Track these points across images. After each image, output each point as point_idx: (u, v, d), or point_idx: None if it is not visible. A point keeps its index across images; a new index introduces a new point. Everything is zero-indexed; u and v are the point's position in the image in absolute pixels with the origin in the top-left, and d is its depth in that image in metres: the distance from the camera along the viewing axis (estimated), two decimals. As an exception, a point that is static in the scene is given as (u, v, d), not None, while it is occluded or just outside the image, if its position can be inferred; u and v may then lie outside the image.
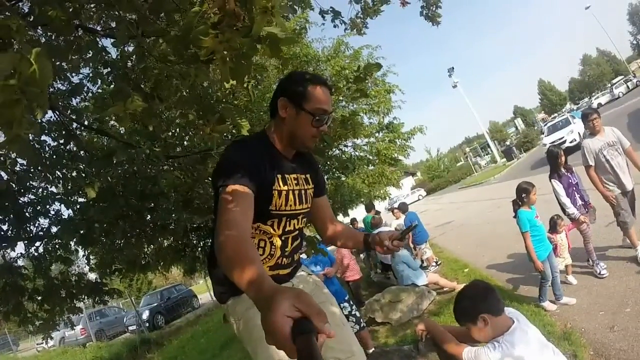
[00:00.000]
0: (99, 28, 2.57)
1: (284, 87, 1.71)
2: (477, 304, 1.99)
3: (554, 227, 4.63)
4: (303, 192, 1.81)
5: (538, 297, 4.35)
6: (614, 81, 46.07)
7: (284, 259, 1.78)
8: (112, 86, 2.84)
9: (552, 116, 45.58)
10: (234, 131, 1.66)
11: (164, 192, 3.29)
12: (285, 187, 1.70)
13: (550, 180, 4.83)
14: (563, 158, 4.82)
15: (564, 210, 4.72)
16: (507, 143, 46.23)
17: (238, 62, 1.09)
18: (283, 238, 1.75)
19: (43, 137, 3.74)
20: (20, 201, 3.74)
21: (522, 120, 63.68)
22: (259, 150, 1.65)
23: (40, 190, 4.01)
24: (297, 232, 1.83)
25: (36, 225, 4.01)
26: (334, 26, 3.38)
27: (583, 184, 4.88)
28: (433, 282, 6.13)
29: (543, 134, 24.56)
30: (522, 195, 4.23)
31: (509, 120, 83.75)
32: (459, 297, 2.13)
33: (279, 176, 1.69)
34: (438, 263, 8.31)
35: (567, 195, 4.69)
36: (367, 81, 2.39)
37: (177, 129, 3.84)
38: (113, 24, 2.97)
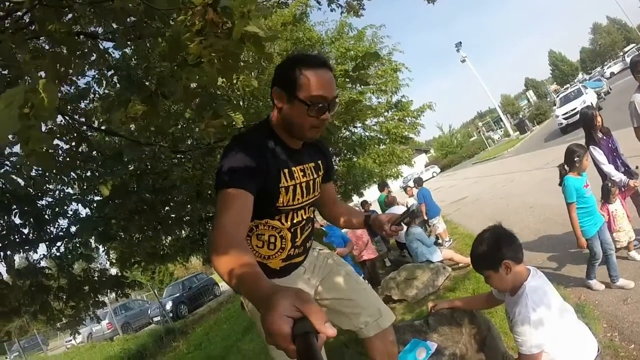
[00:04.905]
0: (99, 31, 2.62)
1: (277, 74, 1.54)
2: (502, 248, 1.83)
3: (607, 195, 3.92)
4: (311, 182, 1.72)
5: (586, 274, 3.80)
6: (626, 49, 44.82)
7: (296, 249, 1.77)
8: (117, 87, 2.90)
9: (564, 87, 44.63)
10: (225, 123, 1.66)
11: (175, 185, 3.35)
12: (292, 182, 1.62)
13: (588, 147, 4.01)
14: (599, 119, 4.16)
15: (606, 178, 4.06)
16: (520, 116, 45.46)
17: (225, 62, 1.15)
18: (292, 230, 1.72)
19: (56, 141, 3.85)
20: (38, 204, 3.85)
21: (534, 92, 62.65)
22: (261, 146, 1.53)
23: (57, 192, 4.13)
24: (305, 221, 1.78)
25: (56, 226, 4.12)
26: (331, 10, 3.37)
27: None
28: (448, 258, 6.12)
29: (555, 105, 24.03)
30: (574, 159, 3.54)
31: (520, 93, 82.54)
32: (479, 241, 1.93)
33: (285, 171, 1.60)
34: (450, 240, 8.32)
35: (609, 162, 4.06)
36: (367, 69, 2.40)
37: (183, 123, 3.90)
38: (114, 25, 3.04)
